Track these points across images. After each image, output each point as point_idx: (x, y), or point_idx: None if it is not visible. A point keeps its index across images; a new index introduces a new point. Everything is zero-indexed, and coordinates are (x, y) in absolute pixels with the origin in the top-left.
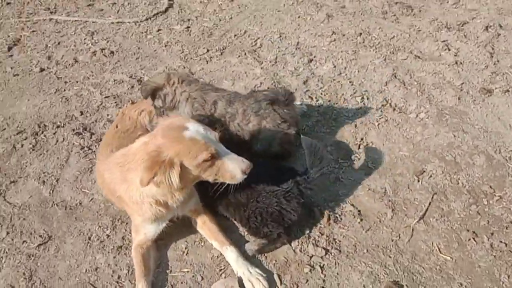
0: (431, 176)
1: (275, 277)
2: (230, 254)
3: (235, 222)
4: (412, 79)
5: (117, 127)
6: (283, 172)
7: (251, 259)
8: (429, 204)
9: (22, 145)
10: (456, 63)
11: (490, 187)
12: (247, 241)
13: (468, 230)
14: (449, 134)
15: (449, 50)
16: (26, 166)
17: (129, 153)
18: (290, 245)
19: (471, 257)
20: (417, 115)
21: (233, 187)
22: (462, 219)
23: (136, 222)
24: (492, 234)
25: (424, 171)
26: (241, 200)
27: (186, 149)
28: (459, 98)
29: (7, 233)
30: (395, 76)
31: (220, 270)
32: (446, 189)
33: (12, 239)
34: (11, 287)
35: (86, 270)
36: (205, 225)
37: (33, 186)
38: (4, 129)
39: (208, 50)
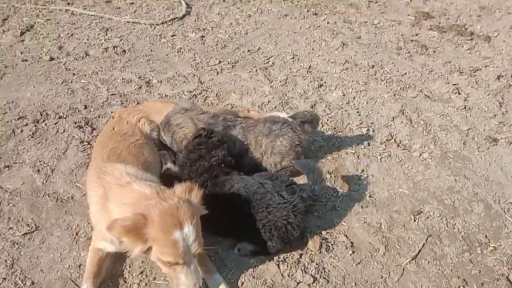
0: (427, 218)
1: None
2: (214, 282)
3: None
4: (419, 118)
5: (113, 129)
6: (286, 185)
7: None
8: (423, 245)
9: (21, 131)
10: (465, 108)
11: (486, 236)
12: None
13: (458, 277)
14: (450, 178)
15: (459, 94)
16: (22, 152)
17: (127, 187)
18: (279, 268)
19: None
20: (420, 154)
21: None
22: (454, 265)
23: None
24: (482, 284)
25: (421, 212)
26: (247, 211)
27: (163, 243)
28: (464, 143)
29: None
30: (402, 113)
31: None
32: (441, 233)
33: None
34: None
35: (69, 266)
36: None
37: (27, 174)
38: (6, 112)
39: (220, 62)
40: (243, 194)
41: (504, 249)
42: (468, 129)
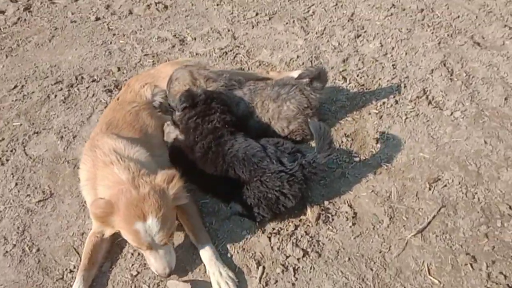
0: (445, 186)
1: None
2: (204, 252)
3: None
4: (463, 69)
5: (118, 99)
6: (289, 152)
7: (222, 260)
8: (433, 217)
9: (55, 96)
10: None
11: (510, 207)
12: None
13: (467, 254)
14: (480, 140)
15: None
16: (53, 118)
17: (109, 167)
18: (270, 241)
19: (462, 284)
20: (452, 113)
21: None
22: (466, 240)
23: None
24: (493, 262)
25: (439, 179)
26: (243, 175)
27: (126, 231)
28: (506, 99)
29: (16, 184)
30: (444, 64)
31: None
32: (458, 203)
33: (18, 191)
34: (4, 239)
35: (73, 234)
36: (185, 216)
37: (51, 140)
38: (47, 77)
39: (257, 14)
40: (241, 155)
41: None
42: None
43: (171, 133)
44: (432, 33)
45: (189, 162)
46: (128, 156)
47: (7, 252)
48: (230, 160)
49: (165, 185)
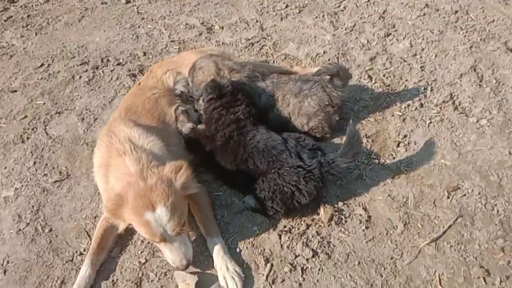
0: (464, 195)
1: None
2: (213, 245)
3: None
4: (492, 76)
5: (139, 84)
6: (310, 148)
7: (230, 255)
8: (449, 226)
9: (80, 77)
10: None
11: None
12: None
13: (481, 267)
14: (505, 150)
15: None
16: (76, 99)
17: (121, 158)
18: (280, 238)
19: None
20: (477, 120)
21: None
22: (481, 252)
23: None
24: (507, 277)
25: (459, 188)
26: (261, 166)
27: (136, 223)
28: None
29: (34, 163)
30: (474, 69)
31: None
32: (476, 214)
33: (36, 170)
34: (19, 216)
35: (86, 216)
36: (197, 207)
37: (72, 121)
38: (74, 57)
39: (287, 6)
40: (261, 146)
41: None
42: None
43: (186, 122)
44: (465, 36)
45: (207, 151)
46: (141, 146)
47: (20, 230)
48: (251, 150)
49: (173, 175)
